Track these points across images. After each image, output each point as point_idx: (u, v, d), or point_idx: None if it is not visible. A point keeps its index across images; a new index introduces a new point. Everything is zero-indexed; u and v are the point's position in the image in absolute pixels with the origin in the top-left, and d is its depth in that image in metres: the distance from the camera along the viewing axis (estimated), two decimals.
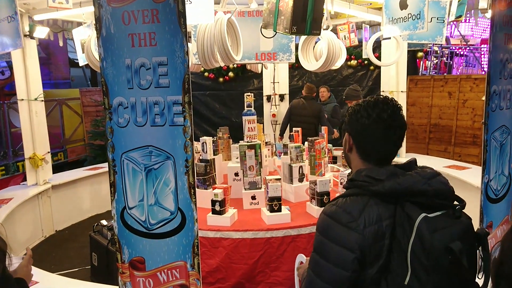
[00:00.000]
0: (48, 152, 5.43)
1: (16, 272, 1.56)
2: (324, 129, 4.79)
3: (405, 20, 3.18)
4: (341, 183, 3.91)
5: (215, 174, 4.06)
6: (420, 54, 8.61)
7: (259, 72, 5.88)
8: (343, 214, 1.23)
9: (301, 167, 3.94)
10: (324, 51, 3.75)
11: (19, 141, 7.12)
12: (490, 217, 2.44)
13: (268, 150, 4.92)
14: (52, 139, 6.07)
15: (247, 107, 4.27)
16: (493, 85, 2.29)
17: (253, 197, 3.74)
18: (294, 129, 4.95)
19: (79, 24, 4.86)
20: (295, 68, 8.37)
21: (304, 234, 3.29)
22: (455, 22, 6.03)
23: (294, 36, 4.02)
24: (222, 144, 4.79)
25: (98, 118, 8.79)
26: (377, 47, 6.65)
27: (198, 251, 1.94)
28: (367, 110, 1.32)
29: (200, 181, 3.79)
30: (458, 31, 10.19)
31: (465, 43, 10.24)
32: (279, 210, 3.39)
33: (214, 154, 4.24)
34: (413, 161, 1.35)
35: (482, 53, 10.42)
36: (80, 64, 4.60)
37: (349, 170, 3.72)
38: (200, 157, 3.99)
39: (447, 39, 10.49)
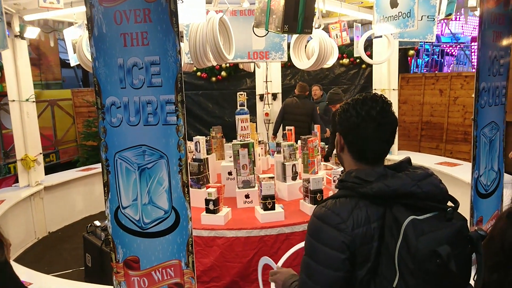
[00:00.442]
0: (40, 153, 5.40)
1: None
2: (317, 128, 4.81)
3: (395, 18, 3.20)
4: (334, 181, 3.94)
5: (208, 173, 4.07)
6: (411, 52, 8.67)
7: (252, 71, 5.89)
8: (332, 216, 1.22)
9: (294, 165, 3.96)
10: (315, 49, 3.76)
11: (10, 143, 7.05)
12: (480, 212, 2.48)
13: (261, 149, 4.94)
14: (44, 140, 6.03)
15: (240, 106, 4.28)
16: (482, 82, 2.33)
17: (247, 196, 3.75)
18: (287, 127, 4.97)
19: (70, 24, 4.83)
20: (288, 67, 8.38)
21: (298, 232, 3.31)
22: (445, 20, 6.08)
23: (286, 35, 4.04)
24: (215, 144, 4.79)
25: (90, 118, 8.72)
26: (368, 46, 6.68)
27: (193, 250, 1.95)
28: (355, 108, 1.29)
29: (194, 181, 3.80)
30: (449, 29, 10.28)
31: (456, 41, 10.34)
32: (273, 208, 3.40)
33: (207, 154, 4.25)
34: (406, 161, 1.32)
35: (473, 50, 10.53)
36: (72, 65, 4.57)
37: (342, 168, 3.75)
38: (194, 157, 4.00)
39: (438, 37, 10.58)
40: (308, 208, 3.50)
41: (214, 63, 3.52)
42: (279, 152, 4.51)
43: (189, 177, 1.93)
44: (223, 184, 3.78)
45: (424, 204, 1.17)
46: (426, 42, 7.60)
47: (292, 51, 4.08)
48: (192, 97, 8.86)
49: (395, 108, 1.30)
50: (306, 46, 4.14)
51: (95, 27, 1.83)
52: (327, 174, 4.34)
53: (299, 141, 4.39)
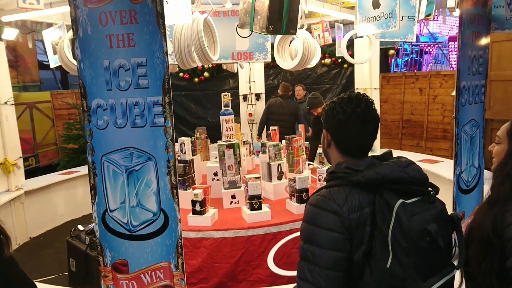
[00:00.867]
0: (20, 157, 5.28)
1: None
2: (301, 127, 4.85)
3: (378, 19, 3.25)
4: (319, 180, 3.98)
5: (194, 175, 4.05)
6: (391, 52, 8.82)
7: (235, 71, 5.89)
8: (329, 202, 1.30)
9: (279, 165, 3.98)
10: (299, 50, 3.79)
11: None
12: (462, 208, 2.55)
13: (246, 149, 4.95)
14: (22, 144, 5.88)
15: (224, 106, 4.27)
16: (463, 81, 2.39)
17: (233, 196, 3.76)
18: (271, 127, 4.99)
19: (49, 25, 4.72)
20: (270, 67, 8.41)
21: (285, 231, 3.33)
22: (424, 21, 6.20)
23: (270, 35, 4.05)
24: (200, 145, 4.78)
25: (71, 121, 8.55)
26: (350, 46, 6.76)
27: (182, 251, 1.95)
28: (342, 106, 1.39)
29: (180, 182, 3.78)
30: (427, 29, 10.47)
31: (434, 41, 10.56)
32: (259, 208, 3.42)
33: (192, 155, 4.23)
34: (389, 152, 1.44)
35: (450, 50, 10.75)
36: (51, 66, 4.46)
37: (327, 167, 3.78)
38: (179, 158, 3.98)
39: (417, 37, 10.76)
40: (295, 207, 3.53)
41: (199, 64, 3.51)
42: (264, 152, 4.52)
43: (177, 178, 1.92)
44: (209, 185, 3.77)
45: (410, 188, 1.28)
46: (406, 42, 7.75)
47: (276, 51, 4.10)
48: (174, 98, 8.73)
49: (377, 106, 1.40)
50: (289, 46, 4.16)
51: (80, 29, 1.80)
52: (312, 173, 4.38)
53: (283, 141, 4.41)
